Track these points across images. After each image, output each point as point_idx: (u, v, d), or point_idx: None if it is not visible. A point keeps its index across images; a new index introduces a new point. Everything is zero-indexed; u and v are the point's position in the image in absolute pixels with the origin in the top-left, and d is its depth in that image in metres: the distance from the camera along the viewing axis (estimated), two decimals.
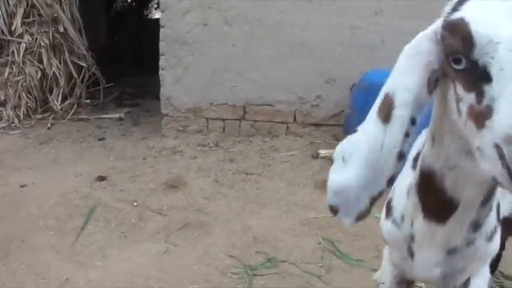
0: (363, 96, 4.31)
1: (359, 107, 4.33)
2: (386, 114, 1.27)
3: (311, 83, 5.09)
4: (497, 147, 1.04)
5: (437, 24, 1.26)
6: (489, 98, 1.06)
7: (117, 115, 6.40)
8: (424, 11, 5.13)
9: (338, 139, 4.84)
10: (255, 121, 5.08)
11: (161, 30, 5.28)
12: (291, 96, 5.11)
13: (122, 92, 7.70)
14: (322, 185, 4.12)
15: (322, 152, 4.62)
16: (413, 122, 1.26)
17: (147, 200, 3.90)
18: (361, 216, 1.42)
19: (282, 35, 5.10)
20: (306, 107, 5.13)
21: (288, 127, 5.10)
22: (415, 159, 1.66)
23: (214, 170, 4.32)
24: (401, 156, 1.29)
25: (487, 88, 1.07)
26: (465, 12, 1.15)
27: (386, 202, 1.76)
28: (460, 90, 1.16)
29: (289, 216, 3.67)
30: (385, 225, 1.77)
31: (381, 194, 1.36)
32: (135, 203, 3.85)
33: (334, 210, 1.47)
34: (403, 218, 1.65)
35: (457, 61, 1.14)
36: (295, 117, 5.15)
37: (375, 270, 3.10)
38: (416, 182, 1.50)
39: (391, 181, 1.34)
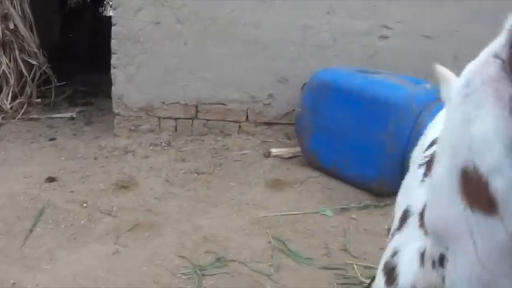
0: (313, 95, 4.37)
1: (309, 106, 4.39)
2: (486, 198, 0.78)
3: (263, 82, 5.12)
4: None
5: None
6: None
7: (69, 114, 6.30)
8: (375, 11, 5.23)
9: (290, 138, 4.90)
10: (208, 120, 5.08)
11: (113, 28, 5.22)
12: (243, 95, 5.13)
13: (74, 90, 7.57)
14: (273, 183, 4.18)
15: (274, 150, 4.65)
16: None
17: (97, 201, 3.86)
18: None
19: (234, 33, 5.11)
20: (258, 106, 5.16)
21: (240, 126, 5.11)
22: (422, 214, 1.22)
23: (165, 169, 4.31)
24: None
25: None
26: None
27: (383, 267, 1.43)
28: None
29: (240, 215, 3.69)
30: None
31: None
32: (85, 204, 3.81)
33: None
34: None
35: None
36: (247, 116, 5.17)
37: (324, 268, 3.16)
38: None
39: None
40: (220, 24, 5.11)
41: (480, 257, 0.82)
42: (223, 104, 5.13)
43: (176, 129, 5.08)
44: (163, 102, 5.16)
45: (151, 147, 4.76)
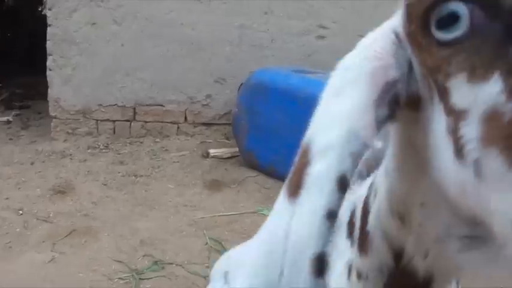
0: (250, 95, 4.43)
1: (246, 107, 4.44)
2: (296, 182, 0.66)
3: (201, 82, 5.15)
4: None
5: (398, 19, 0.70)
6: None
7: (5, 118, 6.16)
8: (312, 11, 5.32)
9: (229, 138, 4.94)
10: (146, 122, 5.07)
11: (48, 29, 5.14)
12: (181, 96, 5.14)
13: (11, 93, 7.40)
14: (211, 184, 4.21)
15: (212, 151, 4.69)
16: (342, 184, 0.64)
17: (33, 207, 3.81)
18: None
19: (171, 34, 5.11)
20: (196, 106, 5.18)
21: (178, 127, 5.12)
22: (351, 223, 1.11)
23: (103, 173, 4.29)
24: (322, 262, 0.64)
25: None
26: None
27: None
28: (461, 90, 0.57)
29: (177, 217, 3.71)
30: None
31: None
32: (21, 211, 3.75)
33: None
34: None
35: (453, 20, 0.55)
36: (185, 117, 5.19)
37: None
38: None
39: None
40: (157, 25, 5.10)
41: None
42: (161, 106, 5.12)
43: (114, 132, 5.05)
44: (101, 105, 5.12)
45: (89, 151, 4.72)
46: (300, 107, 3.98)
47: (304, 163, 0.64)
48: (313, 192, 0.63)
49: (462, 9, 0.54)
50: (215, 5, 5.14)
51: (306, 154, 0.65)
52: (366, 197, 0.98)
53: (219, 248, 3.38)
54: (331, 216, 0.62)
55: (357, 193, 1.11)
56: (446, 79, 0.58)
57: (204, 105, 5.20)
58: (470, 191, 0.57)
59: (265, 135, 4.25)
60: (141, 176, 4.28)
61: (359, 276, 0.99)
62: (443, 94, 0.59)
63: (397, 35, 0.69)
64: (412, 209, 0.76)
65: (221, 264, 0.89)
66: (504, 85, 0.50)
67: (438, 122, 0.61)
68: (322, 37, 5.36)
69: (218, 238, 3.48)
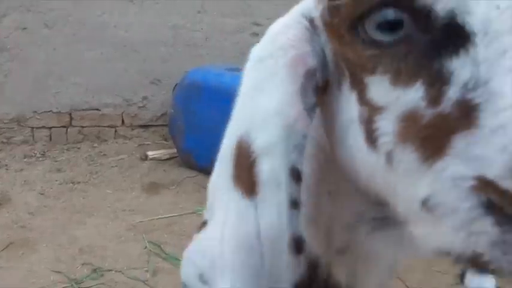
0: (184, 95, 4.44)
1: (181, 107, 4.46)
2: (248, 178, 0.69)
3: (136, 84, 5.12)
4: (484, 187, 0.53)
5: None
6: (465, 85, 0.55)
7: None
8: (246, 9, 5.37)
9: (167, 139, 4.94)
10: (82, 127, 5.01)
11: None
12: (117, 99, 5.11)
13: None
14: (149, 187, 4.22)
15: (151, 153, 4.68)
16: (297, 176, 0.68)
17: None
18: None
19: (105, 36, 5.07)
20: (133, 109, 5.16)
21: (116, 131, 5.09)
22: None
23: (40, 182, 4.23)
24: (299, 242, 0.69)
25: (456, 65, 0.56)
26: None
27: None
28: (382, 89, 0.61)
29: (116, 222, 3.71)
30: None
31: None
32: None
33: None
34: None
35: (388, 26, 0.59)
36: (123, 120, 5.15)
37: None
38: None
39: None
40: (89, 28, 5.05)
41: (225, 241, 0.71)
42: (98, 110, 5.08)
43: (51, 139, 4.97)
44: (36, 112, 5.03)
45: (25, 160, 4.64)
46: (233, 104, 4.03)
47: (250, 162, 0.67)
48: (272, 188, 0.66)
49: (398, 17, 0.58)
50: (148, 5, 5.12)
51: (247, 153, 0.68)
52: None
53: (158, 251, 3.40)
54: (296, 204, 0.67)
55: None
56: (367, 75, 0.62)
57: (140, 107, 5.19)
58: (379, 176, 0.63)
59: (201, 135, 4.27)
60: (79, 182, 4.24)
61: None
62: (359, 86, 0.64)
63: (311, 22, 0.71)
64: (321, 197, 0.78)
65: (189, 268, 0.80)
66: (426, 93, 0.57)
67: (348, 109, 0.66)
68: (256, 34, 5.41)
69: (157, 241, 3.50)
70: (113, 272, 3.19)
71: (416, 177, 0.58)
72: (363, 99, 0.63)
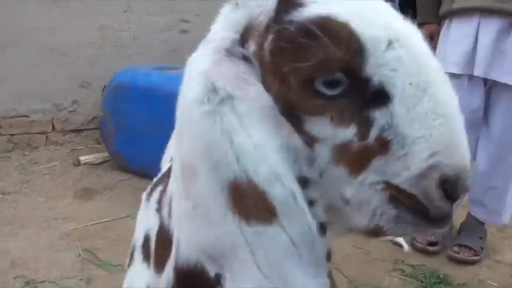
0: (113, 97, 4.40)
1: (110, 109, 4.42)
2: (264, 209, 0.83)
3: (65, 88, 5.03)
4: (388, 186, 0.84)
5: (230, 35, 0.91)
6: (383, 127, 0.81)
7: None
8: (173, 6, 5.34)
9: (100, 143, 4.89)
10: (12, 135, 4.87)
11: None
12: (46, 104, 4.99)
13: None
14: (82, 193, 4.18)
15: (83, 158, 4.62)
16: (304, 182, 0.87)
17: None
18: None
19: (29, 41, 4.93)
20: (63, 113, 5.06)
21: (47, 137, 4.98)
22: (146, 243, 1.24)
23: None
24: (323, 226, 0.88)
25: (378, 114, 0.82)
26: (329, 8, 0.82)
27: None
28: (321, 124, 0.84)
29: (49, 232, 3.65)
30: None
31: None
32: None
33: None
34: None
35: (333, 84, 0.82)
36: (53, 126, 5.05)
37: None
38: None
39: None
40: (14, 32, 4.91)
41: (260, 265, 0.82)
42: (27, 116, 4.95)
43: None
44: None
45: None
46: (162, 104, 3.99)
47: (260, 192, 0.81)
48: (290, 203, 0.83)
49: (341, 80, 0.82)
50: (72, 6, 5.02)
51: (253, 185, 0.81)
52: (161, 214, 1.14)
53: (92, 258, 3.37)
54: (311, 203, 0.87)
55: (151, 214, 1.26)
56: (306, 114, 0.85)
57: (71, 111, 5.10)
58: (315, 183, 0.87)
59: (132, 137, 4.25)
60: (9, 193, 4.15)
61: None
62: (295, 119, 0.86)
63: (245, 58, 0.89)
64: None
65: None
66: (357, 131, 0.83)
67: None
68: (185, 31, 5.41)
69: (91, 248, 3.47)
70: (46, 283, 3.15)
71: (343, 185, 0.86)
72: (300, 130, 0.85)
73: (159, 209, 1.20)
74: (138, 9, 5.24)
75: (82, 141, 5.04)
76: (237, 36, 0.90)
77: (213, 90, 0.84)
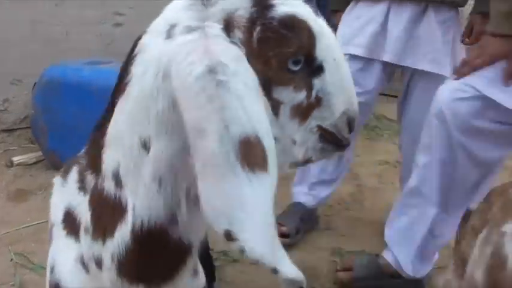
0: (44, 94, 4.23)
1: (41, 106, 4.24)
2: (260, 157, 1.01)
3: None
4: (320, 128, 1.21)
5: (215, 26, 1.08)
6: (318, 90, 1.18)
7: None
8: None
9: (33, 142, 4.71)
10: None
11: None
12: None
13: None
14: (16, 195, 4.02)
15: (16, 158, 4.43)
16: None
17: None
18: None
19: None
20: None
21: None
22: (69, 218, 1.41)
23: None
24: None
25: (317, 81, 1.17)
26: (293, 9, 1.11)
27: (49, 287, 1.49)
28: (286, 92, 1.13)
29: None
30: None
31: None
32: None
33: None
34: None
35: (297, 62, 1.12)
36: None
37: None
38: (119, 251, 1.21)
39: None
40: None
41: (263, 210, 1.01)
42: None
43: None
44: None
45: None
46: (94, 99, 3.86)
47: (262, 145, 0.99)
48: (273, 156, 1.02)
49: (301, 59, 1.12)
50: (1, 0, 4.81)
51: (258, 140, 0.98)
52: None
53: (25, 262, 3.24)
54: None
55: (72, 193, 1.43)
56: (277, 85, 1.12)
57: (1, 110, 4.88)
58: (277, 136, 1.15)
59: (65, 134, 4.09)
60: None
61: (99, 264, 1.30)
62: (267, 90, 1.09)
63: (233, 42, 1.08)
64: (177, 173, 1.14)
65: None
66: (306, 94, 1.17)
67: None
68: (119, 24, 5.27)
69: (23, 252, 3.33)
70: None
71: (295, 132, 1.18)
72: (269, 96, 1.11)
73: (82, 187, 1.38)
74: (69, 2, 5.06)
75: (15, 141, 4.83)
76: (221, 26, 1.08)
77: (223, 64, 1.00)
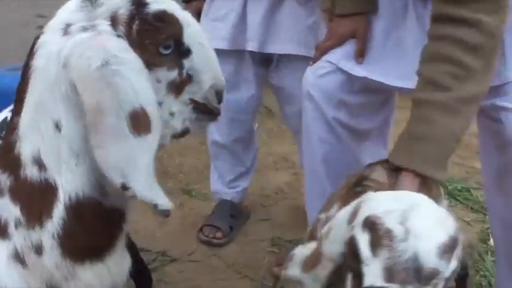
0: None
1: None
2: (145, 124, 1.33)
3: None
4: (192, 100, 1.47)
5: (101, 16, 1.34)
6: (188, 68, 1.42)
7: None
8: (28, 2, 5.04)
9: None
10: None
11: None
12: None
13: None
14: None
15: None
16: None
17: None
18: None
19: None
20: None
21: None
22: None
23: None
24: None
25: (186, 61, 1.41)
26: (163, 5, 1.38)
27: None
28: (162, 72, 1.38)
29: None
30: None
31: None
32: None
33: None
34: None
35: (167, 47, 1.37)
36: None
37: None
38: (59, 229, 1.36)
39: None
40: None
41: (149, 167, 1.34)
42: None
43: None
44: None
45: None
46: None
47: (146, 113, 1.30)
48: (157, 121, 1.33)
49: (171, 44, 1.38)
50: None
51: (143, 110, 1.29)
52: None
53: None
54: None
55: None
56: (154, 67, 1.37)
57: None
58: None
59: None
60: None
61: (39, 250, 1.39)
62: (150, 70, 1.36)
63: (120, 36, 1.34)
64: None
65: None
66: (178, 73, 1.44)
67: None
68: (42, 27, 5.10)
69: None
70: None
71: (171, 105, 1.43)
72: (152, 75, 1.35)
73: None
74: None
75: None
76: (109, 23, 1.32)
77: (114, 55, 1.25)
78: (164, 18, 1.36)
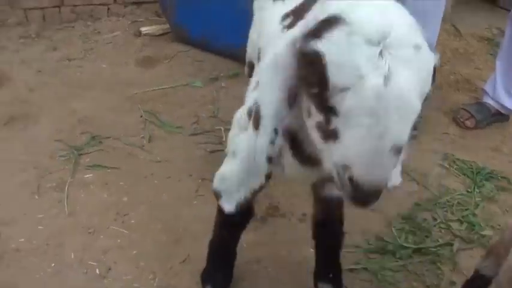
0: None
1: None
2: (256, 123, 1.46)
3: None
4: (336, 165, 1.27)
5: (298, 34, 1.32)
6: (336, 127, 1.20)
7: None
8: None
9: (160, 15, 4.92)
10: (75, 6, 4.92)
11: None
12: None
13: None
14: (144, 60, 4.31)
15: (144, 29, 4.68)
16: (276, 132, 1.45)
17: None
18: (240, 205, 1.62)
19: None
20: None
21: (109, 8, 5.00)
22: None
23: (37, 61, 4.26)
24: (270, 160, 1.50)
25: (334, 119, 1.19)
26: (325, 47, 1.17)
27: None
28: (312, 107, 1.28)
29: (112, 95, 3.80)
30: None
31: (261, 187, 1.57)
32: None
33: (217, 195, 1.67)
34: None
35: (312, 86, 1.22)
36: None
37: (194, 135, 3.40)
38: None
39: (268, 177, 1.54)
40: None
41: None
42: None
43: (44, 19, 4.93)
44: None
45: (21, 40, 4.64)
46: None
47: (258, 116, 1.44)
48: (263, 133, 1.45)
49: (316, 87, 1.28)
50: None
51: (258, 112, 1.44)
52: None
53: (154, 119, 3.54)
54: (272, 143, 1.47)
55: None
56: (308, 99, 1.34)
57: None
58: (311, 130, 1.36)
59: (194, 8, 4.25)
60: (75, 59, 4.28)
61: None
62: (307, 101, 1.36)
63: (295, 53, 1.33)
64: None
65: (232, 143, 1.68)
66: (324, 119, 1.29)
67: (305, 102, 1.37)
68: None
69: (152, 110, 3.62)
70: (111, 139, 3.34)
71: (319, 142, 1.34)
72: (307, 105, 1.36)
73: None
74: None
75: (142, 14, 5.06)
76: None
77: (272, 59, 1.46)
78: (309, 63, 1.27)
